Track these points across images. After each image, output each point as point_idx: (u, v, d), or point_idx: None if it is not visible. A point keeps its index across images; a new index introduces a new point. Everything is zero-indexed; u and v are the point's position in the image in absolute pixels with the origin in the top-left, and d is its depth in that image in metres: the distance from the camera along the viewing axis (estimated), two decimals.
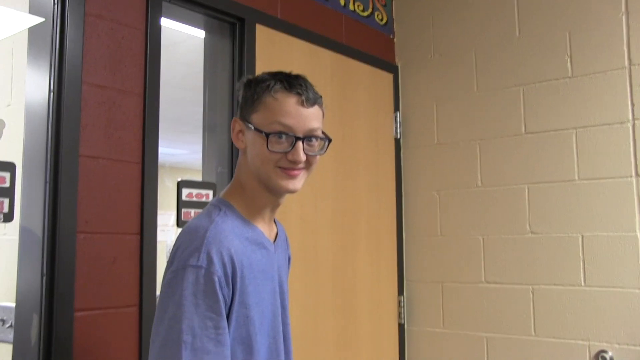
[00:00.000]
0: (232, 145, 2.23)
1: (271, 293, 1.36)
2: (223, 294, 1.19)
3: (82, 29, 1.73)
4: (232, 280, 1.22)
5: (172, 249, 1.25)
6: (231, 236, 1.26)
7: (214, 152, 2.29)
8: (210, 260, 1.18)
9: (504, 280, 2.66)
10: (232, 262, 1.22)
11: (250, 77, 1.39)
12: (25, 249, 1.71)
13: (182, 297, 1.15)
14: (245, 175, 1.36)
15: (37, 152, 1.69)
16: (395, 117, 3.03)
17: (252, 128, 1.30)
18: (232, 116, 2.22)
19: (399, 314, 2.95)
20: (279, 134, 1.28)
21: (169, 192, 2.42)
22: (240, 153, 1.38)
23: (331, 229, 2.60)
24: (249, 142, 1.33)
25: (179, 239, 1.26)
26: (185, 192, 2.04)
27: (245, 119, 1.34)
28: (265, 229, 1.39)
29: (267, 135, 1.28)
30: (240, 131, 1.36)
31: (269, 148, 1.28)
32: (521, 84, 2.68)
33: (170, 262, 1.23)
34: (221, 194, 1.39)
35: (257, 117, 1.31)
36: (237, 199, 1.35)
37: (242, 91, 1.37)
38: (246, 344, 1.26)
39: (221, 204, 1.34)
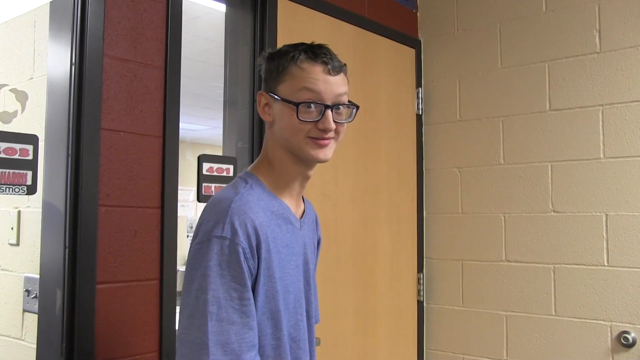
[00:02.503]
0: (253, 120, 2.22)
1: (295, 269, 1.35)
2: (248, 265, 1.19)
3: (103, 1, 1.72)
4: (257, 251, 1.22)
5: (198, 222, 1.25)
6: (256, 208, 1.25)
7: (234, 127, 2.28)
8: (234, 231, 1.18)
9: (525, 259, 2.64)
10: (256, 233, 1.21)
11: (271, 50, 1.38)
12: (48, 221, 1.72)
13: (207, 268, 1.16)
14: (273, 148, 1.35)
15: (59, 125, 1.69)
16: (418, 92, 2.99)
17: (280, 99, 1.30)
18: (254, 91, 2.21)
19: (418, 291, 2.94)
20: (308, 103, 1.27)
21: (188, 168, 2.43)
22: (266, 127, 1.37)
23: (352, 204, 2.59)
24: (277, 114, 1.32)
25: (204, 211, 1.26)
26: (205, 166, 2.04)
27: (271, 92, 1.32)
28: (292, 204, 1.38)
29: (297, 105, 1.27)
30: (267, 104, 1.34)
31: (299, 118, 1.27)
32: (547, 60, 2.62)
33: (195, 234, 1.23)
34: (249, 168, 1.39)
35: (283, 89, 1.30)
36: (265, 172, 1.35)
37: (264, 65, 1.36)
38: (275, 319, 1.27)
39: (248, 177, 1.33)
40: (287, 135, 1.30)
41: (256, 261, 1.21)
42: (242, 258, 1.18)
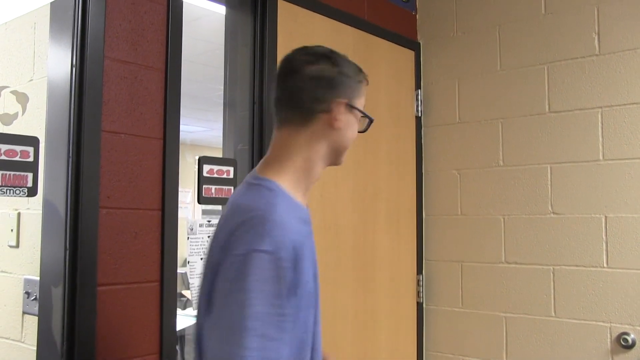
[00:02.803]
0: (253, 122, 2.22)
1: (317, 274, 1.35)
2: (289, 279, 1.16)
3: (103, 3, 1.72)
4: (297, 264, 1.18)
5: (225, 229, 1.22)
6: (292, 220, 1.23)
7: (234, 129, 2.28)
8: (276, 245, 1.15)
9: (524, 260, 2.64)
10: (294, 246, 1.18)
11: (340, 57, 1.38)
12: (48, 223, 1.72)
13: (248, 283, 1.12)
14: (314, 153, 1.33)
15: (60, 127, 1.69)
16: (417, 94, 3.00)
17: (360, 112, 1.38)
18: (254, 93, 2.22)
19: (418, 292, 2.94)
20: (372, 120, 1.42)
21: (185, 170, 2.42)
22: (302, 133, 1.32)
23: (351, 206, 2.59)
24: (347, 123, 1.34)
25: (235, 220, 1.21)
26: (206, 168, 2.04)
27: (352, 104, 1.35)
28: (305, 205, 1.37)
29: (372, 121, 1.41)
30: (341, 112, 1.33)
31: (361, 130, 1.41)
32: (546, 62, 2.62)
33: (227, 244, 1.19)
34: (265, 173, 1.32)
35: (359, 103, 1.38)
36: (287, 177, 1.31)
37: (330, 72, 1.34)
38: (315, 331, 1.28)
39: (270, 185, 1.28)
40: (347, 144, 1.37)
41: (296, 274, 1.18)
42: (284, 272, 1.14)
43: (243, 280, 1.12)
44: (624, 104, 2.42)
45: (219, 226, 1.29)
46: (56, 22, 1.76)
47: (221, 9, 2.34)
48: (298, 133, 1.32)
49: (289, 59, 1.37)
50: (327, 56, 1.36)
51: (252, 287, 1.11)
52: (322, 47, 1.39)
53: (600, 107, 2.47)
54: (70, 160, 1.66)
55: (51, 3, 1.77)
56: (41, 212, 1.74)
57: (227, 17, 2.33)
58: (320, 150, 1.34)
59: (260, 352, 1.10)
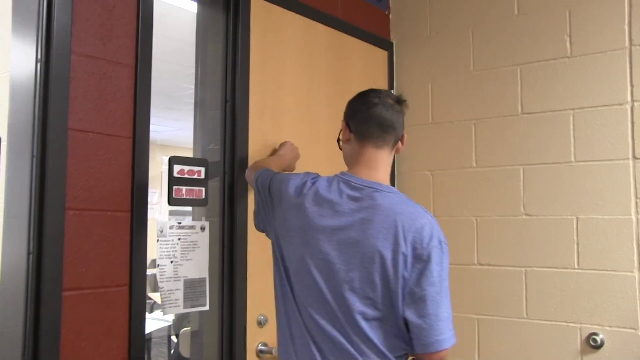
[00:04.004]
0: (225, 121, 2.18)
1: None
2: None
3: None
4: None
5: (417, 226, 1.54)
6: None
7: (205, 128, 2.23)
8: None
9: (496, 262, 2.64)
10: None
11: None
12: (10, 226, 1.64)
13: (444, 264, 1.56)
14: None
15: (24, 125, 1.62)
16: None
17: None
18: (225, 92, 2.18)
19: None
20: None
21: (153, 170, 2.36)
22: (391, 154, 1.75)
23: None
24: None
25: (420, 221, 1.56)
26: (176, 168, 1.98)
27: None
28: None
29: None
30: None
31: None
32: (519, 64, 2.63)
33: (421, 237, 1.53)
34: (393, 188, 1.69)
35: None
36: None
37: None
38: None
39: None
40: None
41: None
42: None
43: (443, 263, 1.58)
44: (595, 106, 2.44)
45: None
46: (19, 14, 1.68)
47: (192, 6, 2.28)
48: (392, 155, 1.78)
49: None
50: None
51: (445, 267, 1.59)
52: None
53: (572, 109, 2.49)
54: (35, 159, 1.58)
55: None
56: (2, 214, 1.66)
57: (199, 14, 2.28)
58: None
59: (451, 313, 1.59)
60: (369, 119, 1.69)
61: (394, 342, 1.55)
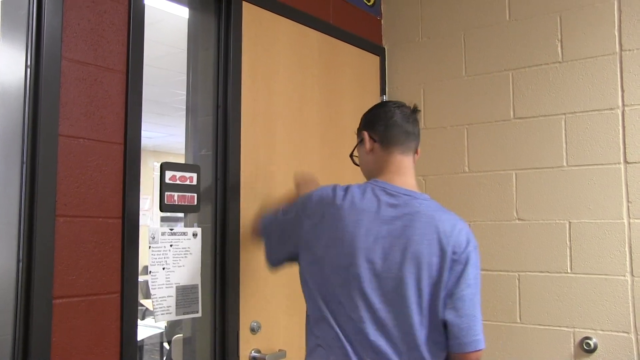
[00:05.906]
0: (217, 127, 2.17)
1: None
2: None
3: (61, 0, 1.63)
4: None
5: (456, 232, 1.58)
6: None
7: (197, 134, 2.22)
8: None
9: (489, 267, 2.64)
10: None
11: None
12: (0, 233, 1.62)
13: (479, 266, 1.61)
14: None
15: (13, 131, 1.60)
16: (382, 100, 2.98)
17: None
18: (217, 97, 2.17)
19: None
20: None
21: (145, 175, 2.34)
22: (414, 162, 1.75)
23: None
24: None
25: (457, 226, 1.60)
26: (168, 174, 1.97)
27: None
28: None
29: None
30: None
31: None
32: (511, 69, 2.64)
33: (459, 242, 1.57)
34: (427, 196, 1.69)
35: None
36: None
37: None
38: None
39: None
40: None
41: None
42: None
43: (479, 262, 1.64)
44: (586, 111, 2.45)
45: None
46: (9, 19, 1.67)
47: (184, 12, 2.27)
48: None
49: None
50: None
51: (479, 266, 1.64)
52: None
53: (564, 114, 2.49)
54: (25, 166, 1.57)
55: None
56: None
57: (190, 20, 2.27)
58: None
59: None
60: (393, 125, 1.71)
61: (434, 347, 1.58)
